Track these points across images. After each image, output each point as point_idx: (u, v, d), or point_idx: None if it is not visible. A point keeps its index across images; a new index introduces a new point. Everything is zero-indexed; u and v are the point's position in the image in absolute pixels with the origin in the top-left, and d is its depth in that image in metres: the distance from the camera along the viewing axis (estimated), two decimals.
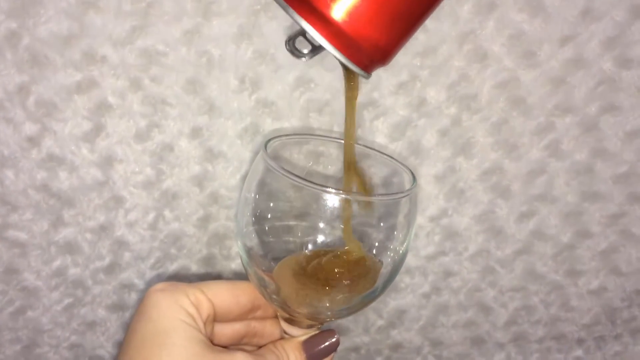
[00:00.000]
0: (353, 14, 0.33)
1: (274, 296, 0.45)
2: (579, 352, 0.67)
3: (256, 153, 0.53)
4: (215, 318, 0.44)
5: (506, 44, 0.50)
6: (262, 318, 0.48)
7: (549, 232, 0.59)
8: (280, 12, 0.47)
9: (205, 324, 0.42)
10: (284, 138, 0.48)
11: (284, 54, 0.49)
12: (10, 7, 0.45)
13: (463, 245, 0.60)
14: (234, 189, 0.54)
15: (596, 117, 0.53)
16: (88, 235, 0.55)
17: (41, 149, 0.50)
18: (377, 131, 0.53)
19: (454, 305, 0.63)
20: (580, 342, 0.67)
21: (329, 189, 0.40)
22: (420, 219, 0.58)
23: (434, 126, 0.53)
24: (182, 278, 0.58)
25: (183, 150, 0.52)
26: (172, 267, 0.58)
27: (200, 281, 0.45)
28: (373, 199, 0.46)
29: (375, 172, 0.51)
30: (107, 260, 0.56)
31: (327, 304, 0.45)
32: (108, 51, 0.47)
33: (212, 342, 0.44)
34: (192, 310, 0.42)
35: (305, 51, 0.36)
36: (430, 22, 0.49)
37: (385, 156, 0.49)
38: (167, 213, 0.55)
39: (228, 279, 0.59)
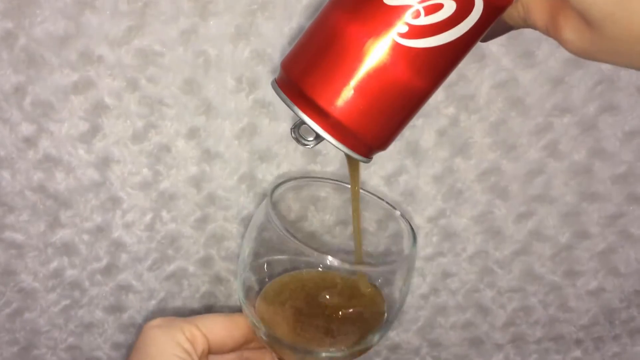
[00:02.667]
0: (349, 107, 0.35)
1: (268, 341, 0.46)
2: (577, 353, 0.67)
3: (253, 154, 0.53)
4: (210, 351, 0.46)
5: (504, 44, 0.49)
6: (256, 348, 0.50)
7: (547, 232, 0.59)
8: (278, 13, 0.47)
9: (200, 358, 0.44)
10: (287, 184, 0.49)
11: (281, 54, 0.49)
12: (6, 7, 0.45)
13: (461, 246, 0.60)
14: (232, 190, 0.54)
15: (595, 117, 0.53)
16: (85, 237, 0.55)
17: (38, 150, 0.50)
18: None
19: (453, 306, 0.63)
20: (578, 342, 0.67)
21: (329, 258, 0.42)
22: (419, 220, 0.58)
23: (432, 126, 0.53)
24: (179, 279, 0.58)
25: (180, 151, 0.52)
26: (169, 268, 0.57)
27: (196, 316, 0.47)
28: (371, 269, 0.47)
29: (370, 215, 0.51)
30: (104, 262, 0.56)
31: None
32: (104, 51, 0.47)
33: None
34: (187, 346, 0.43)
35: (310, 139, 0.38)
36: None
37: (385, 205, 0.50)
38: (164, 214, 0.55)
39: (227, 279, 0.59)
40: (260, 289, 0.47)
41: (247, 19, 0.47)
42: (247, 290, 0.47)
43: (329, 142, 0.36)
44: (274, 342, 0.46)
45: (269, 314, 0.46)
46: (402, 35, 0.33)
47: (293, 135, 0.38)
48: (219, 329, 0.46)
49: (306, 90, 0.35)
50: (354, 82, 0.34)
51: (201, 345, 0.44)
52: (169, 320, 0.45)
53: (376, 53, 0.34)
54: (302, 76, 0.36)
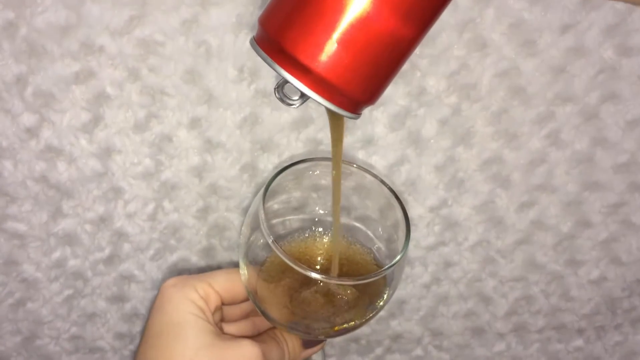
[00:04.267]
0: (333, 62, 0.33)
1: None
2: (579, 342, 0.68)
3: (255, 144, 0.53)
4: (224, 304, 0.49)
5: (506, 33, 0.49)
6: None
7: (549, 222, 0.59)
8: None
9: (213, 313, 0.47)
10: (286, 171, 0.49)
11: None
12: None
13: (463, 236, 0.60)
14: (234, 180, 0.54)
15: (596, 106, 0.53)
16: (87, 227, 0.55)
17: (40, 140, 0.50)
18: (376, 121, 0.53)
19: (454, 295, 0.63)
20: (580, 332, 0.67)
21: (314, 274, 0.42)
22: (420, 209, 0.58)
23: (433, 116, 0.53)
24: (182, 269, 0.58)
25: (182, 141, 0.52)
26: (171, 258, 0.57)
27: (209, 272, 0.49)
28: (357, 282, 0.46)
29: (372, 204, 0.51)
30: (106, 252, 0.56)
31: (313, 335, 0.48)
32: (106, 41, 0.47)
33: (223, 321, 0.50)
34: (201, 303, 0.46)
35: (295, 98, 0.36)
36: None
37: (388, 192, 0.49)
38: (166, 204, 0.55)
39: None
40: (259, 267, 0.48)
41: (248, 8, 0.47)
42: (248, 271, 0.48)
43: (314, 99, 0.34)
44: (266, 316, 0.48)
45: (265, 292, 0.47)
46: None
47: (277, 95, 0.37)
48: (231, 284, 0.49)
49: (286, 46, 0.33)
50: (336, 34, 0.32)
51: (214, 301, 0.47)
52: (183, 279, 0.48)
53: (358, 1, 0.32)
54: (281, 31, 0.34)
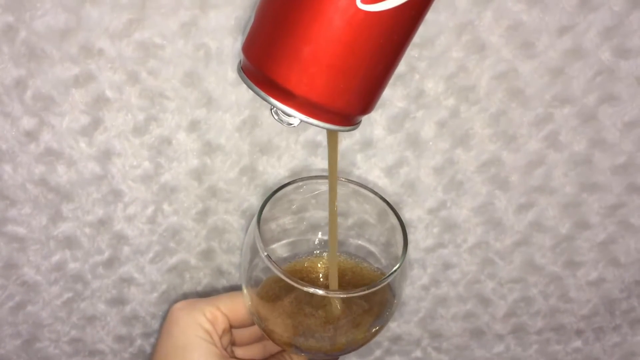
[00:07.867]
0: (319, 84, 0.33)
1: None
2: (577, 343, 0.68)
3: (254, 146, 0.53)
4: (232, 327, 0.49)
5: (504, 35, 0.49)
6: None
7: (547, 223, 0.59)
8: None
9: (221, 337, 0.48)
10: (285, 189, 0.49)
11: None
12: (7, 1, 0.45)
13: (462, 237, 0.60)
14: (233, 182, 0.54)
15: (595, 107, 0.53)
16: (87, 230, 0.55)
17: (39, 143, 0.50)
18: (375, 123, 0.53)
19: (453, 297, 0.63)
20: (579, 333, 0.67)
21: (315, 290, 0.42)
22: (419, 212, 0.58)
23: (432, 118, 0.53)
24: (181, 271, 0.58)
25: (181, 144, 0.52)
26: (171, 261, 0.58)
27: (217, 295, 0.50)
28: (348, 294, 0.45)
29: (371, 208, 0.51)
30: (106, 255, 0.56)
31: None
32: (105, 44, 0.47)
33: (234, 345, 0.51)
34: (208, 326, 0.47)
35: (293, 117, 0.36)
36: (428, 14, 0.49)
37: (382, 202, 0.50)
38: (165, 207, 0.55)
39: (228, 271, 0.59)
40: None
41: (247, 11, 0.47)
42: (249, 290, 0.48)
43: (305, 121, 0.34)
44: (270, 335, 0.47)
45: (266, 312, 0.47)
46: (365, 1, 0.31)
47: (275, 116, 0.36)
48: (239, 308, 0.49)
49: (269, 74, 0.33)
50: (319, 58, 0.32)
51: (222, 324, 0.48)
52: (191, 303, 0.48)
53: (340, 25, 0.31)
54: (262, 59, 0.33)
